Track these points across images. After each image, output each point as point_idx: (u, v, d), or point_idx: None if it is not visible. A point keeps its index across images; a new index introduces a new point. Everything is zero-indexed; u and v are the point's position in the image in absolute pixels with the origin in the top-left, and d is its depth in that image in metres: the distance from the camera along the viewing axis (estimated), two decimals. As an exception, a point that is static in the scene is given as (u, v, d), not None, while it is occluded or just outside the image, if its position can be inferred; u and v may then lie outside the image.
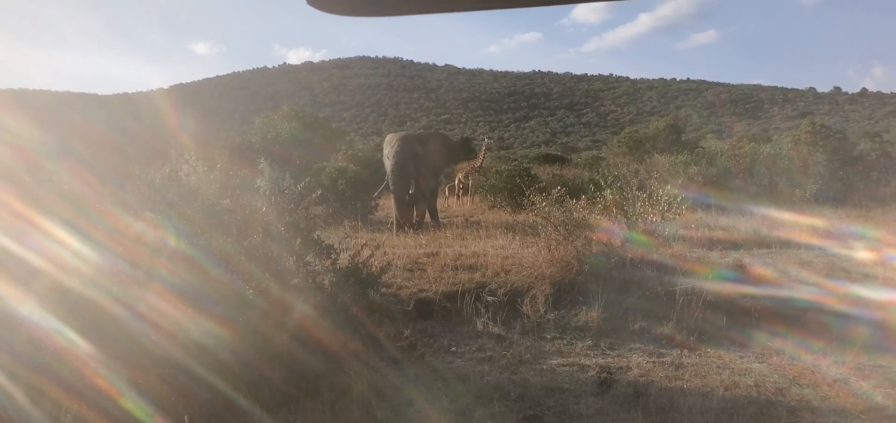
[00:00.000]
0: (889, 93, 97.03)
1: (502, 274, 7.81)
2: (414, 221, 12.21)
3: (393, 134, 13.21)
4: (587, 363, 6.00)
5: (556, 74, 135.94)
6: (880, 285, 7.51)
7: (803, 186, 16.55)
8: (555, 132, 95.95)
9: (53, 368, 3.79)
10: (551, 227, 7.99)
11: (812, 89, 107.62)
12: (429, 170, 12.70)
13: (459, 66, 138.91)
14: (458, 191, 17.84)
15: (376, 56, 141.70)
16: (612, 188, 8.73)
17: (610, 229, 8.29)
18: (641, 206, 8.39)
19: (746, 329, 6.79)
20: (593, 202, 8.64)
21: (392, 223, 12.55)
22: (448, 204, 17.62)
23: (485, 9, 1.09)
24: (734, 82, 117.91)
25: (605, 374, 5.66)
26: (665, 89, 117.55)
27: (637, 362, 6.02)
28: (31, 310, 3.87)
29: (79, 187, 4.96)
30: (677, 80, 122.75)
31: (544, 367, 5.87)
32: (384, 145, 13.34)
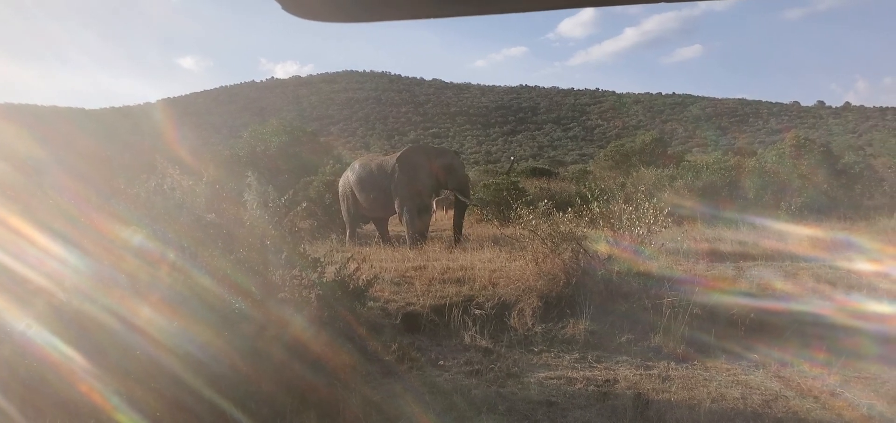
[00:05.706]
0: (872, 106, 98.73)
1: (490, 287, 7.80)
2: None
3: (416, 146, 13.04)
4: (575, 375, 6.00)
5: (543, 88, 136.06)
6: (867, 296, 7.57)
7: (788, 198, 16.72)
8: (542, 146, 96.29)
9: (47, 381, 3.73)
10: (538, 240, 8.00)
11: (796, 103, 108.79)
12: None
13: (447, 80, 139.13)
14: (446, 206, 18.07)
15: (364, 70, 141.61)
16: (598, 201, 8.75)
17: (595, 237, 8.30)
18: (627, 218, 8.41)
19: (733, 340, 6.81)
20: (580, 215, 8.65)
21: (378, 238, 12.55)
22: (437, 218, 17.70)
23: (456, 15, 1.09)
24: (719, 96, 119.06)
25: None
26: (651, 103, 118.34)
27: (624, 374, 6.02)
28: (19, 320, 3.82)
29: (67, 198, 4.90)
30: (663, 94, 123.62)
31: (532, 380, 5.86)
32: (404, 159, 12.18)
